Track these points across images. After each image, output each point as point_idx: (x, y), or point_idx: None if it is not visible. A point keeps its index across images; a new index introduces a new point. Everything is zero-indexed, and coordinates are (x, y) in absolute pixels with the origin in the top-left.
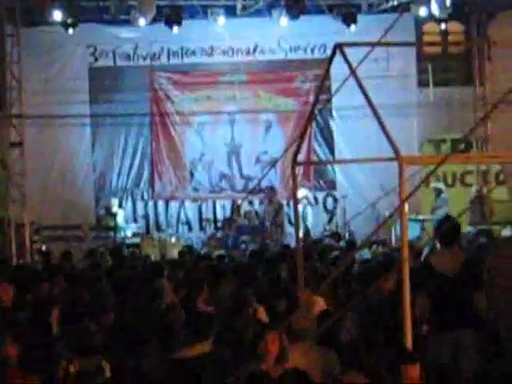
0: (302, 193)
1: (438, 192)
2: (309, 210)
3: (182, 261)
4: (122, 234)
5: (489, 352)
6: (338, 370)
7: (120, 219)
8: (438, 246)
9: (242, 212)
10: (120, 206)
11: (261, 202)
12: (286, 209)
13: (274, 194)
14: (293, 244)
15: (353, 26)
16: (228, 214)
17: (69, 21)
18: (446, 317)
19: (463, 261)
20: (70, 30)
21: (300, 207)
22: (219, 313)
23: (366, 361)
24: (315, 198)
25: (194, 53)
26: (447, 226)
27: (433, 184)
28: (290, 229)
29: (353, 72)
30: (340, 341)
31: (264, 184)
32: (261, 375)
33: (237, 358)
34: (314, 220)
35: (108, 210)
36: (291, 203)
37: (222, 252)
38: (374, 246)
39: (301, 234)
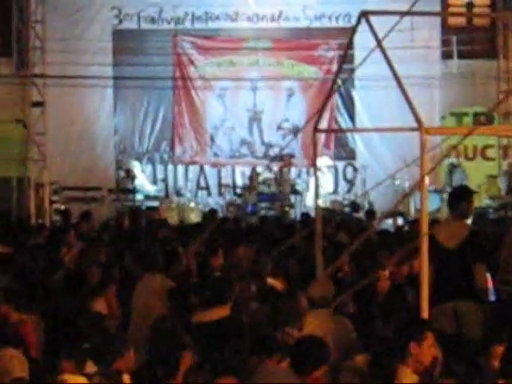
0: (324, 161)
1: (452, 167)
2: (327, 178)
3: (204, 225)
4: (141, 196)
5: (494, 322)
6: (354, 340)
7: (139, 182)
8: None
9: (262, 179)
10: (140, 169)
11: (280, 170)
12: (305, 176)
13: (291, 162)
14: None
15: None
16: (247, 180)
17: None
18: (446, 288)
19: (468, 233)
20: None
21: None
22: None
23: (380, 329)
24: (335, 167)
25: (218, 18)
26: (457, 194)
27: (446, 161)
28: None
29: (379, 42)
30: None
31: (284, 151)
32: (276, 340)
33: (253, 323)
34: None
35: (128, 172)
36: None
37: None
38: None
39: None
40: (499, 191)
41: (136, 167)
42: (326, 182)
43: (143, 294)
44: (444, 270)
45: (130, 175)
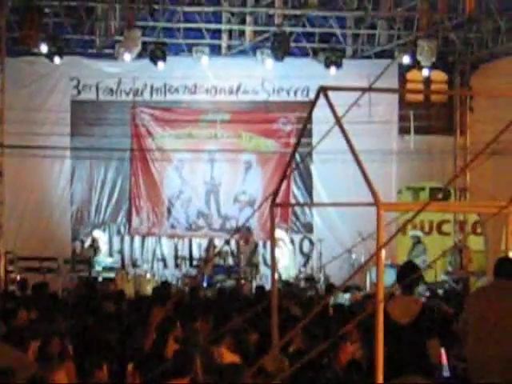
0: (276, 234)
1: (417, 240)
2: (283, 252)
3: (158, 297)
4: (97, 268)
5: None
6: None
7: (99, 252)
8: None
9: (218, 251)
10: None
11: (236, 242)
12: (261, 249)
13: (250, 234)
14: (268, 285)
15: (336, 70)
16: (204, 252)
17: (53, 50)
18: (397, 363)
19: (420, 308)
20: (56, 60)
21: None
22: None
23: None
24: (292, 240)
25: (177, 90)
26: (407, 272)
27: (411, 232)
28: (265, 270)
29: (336, 117)
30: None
31: (241, 224)
32: None
33: None
34: (289, 262)
35: (83, 243)
36: (267, 244)
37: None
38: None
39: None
40: (449, 265)
41: (91, 238)
42: (283, 256)
43: None
44: (396, 345)
45: (85, 246)
